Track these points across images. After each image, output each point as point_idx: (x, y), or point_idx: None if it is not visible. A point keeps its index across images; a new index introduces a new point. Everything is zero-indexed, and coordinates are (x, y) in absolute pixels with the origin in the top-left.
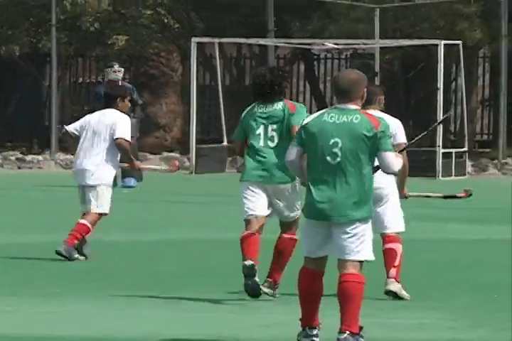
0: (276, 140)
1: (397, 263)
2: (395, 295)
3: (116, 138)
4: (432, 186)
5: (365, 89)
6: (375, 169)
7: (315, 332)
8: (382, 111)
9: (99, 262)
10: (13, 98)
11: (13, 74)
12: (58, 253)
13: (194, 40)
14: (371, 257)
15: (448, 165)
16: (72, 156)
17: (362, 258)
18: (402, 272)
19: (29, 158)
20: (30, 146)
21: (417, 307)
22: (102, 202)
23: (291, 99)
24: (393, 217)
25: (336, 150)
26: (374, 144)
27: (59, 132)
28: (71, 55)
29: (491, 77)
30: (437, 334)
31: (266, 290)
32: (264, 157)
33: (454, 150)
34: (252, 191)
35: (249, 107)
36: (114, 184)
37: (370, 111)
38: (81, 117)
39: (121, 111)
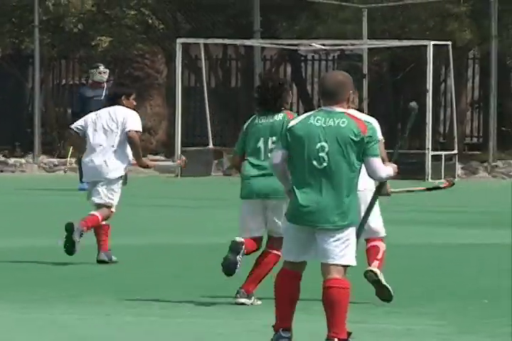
0: None
1: (379, 256)
2: (375, 277)
3: (128, 131)
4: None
5: (351, 91)
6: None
7: (289, 334)
8: (358, 110)
9: (84, 267)
10: None
11: None
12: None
13: (179, 41)
14: (354, 263)
15: (437, 167)
16: (55, 159)
17: (346, 263)
18: (390, 277)
19: (12, 161)
20: (13, 149)
21: (406, 313)
22: (112, 196)
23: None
24: (378, 222)
25: (322, 154)
26: (361, 149)
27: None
28: (54, 57)
29: (480, 79)
30: (426, 340)
31: (242, 300)
32: (266, 170)
33: (443, 153)
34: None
35: (250, 119)
36: (124, 182)
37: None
38: (66, 119)
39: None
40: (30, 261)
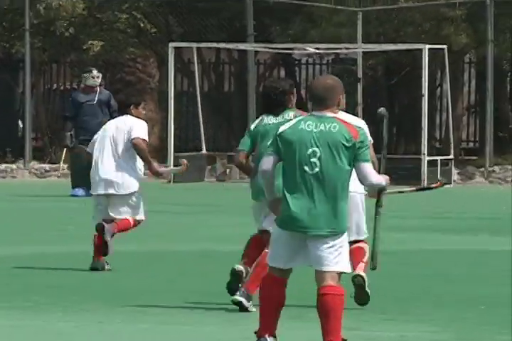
0: None
1: (365, 259)
2: (362, 282)
3: (133, 139)
4: (416, 195)
5: (341, 96)
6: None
7: None
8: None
9: (73, 275)
10: None
11: None
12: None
13: (171, 44)
14: (348, 269)
15: (433, 173)
16: (47, 165)
17: (340, 270)
18: (385, 284)
19: (2, 166)
20: (4, 155)
21: (400, 320)
22: (137, 209)
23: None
24: (363, 223)
25: (314, 159)
26: (352, 154)
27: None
28: (45, 61)
29: (477, 83)
30: None
31: (241, 299)
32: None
33: (439, 158)
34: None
35: (258, 119)
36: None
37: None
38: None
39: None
40: (22, 267)
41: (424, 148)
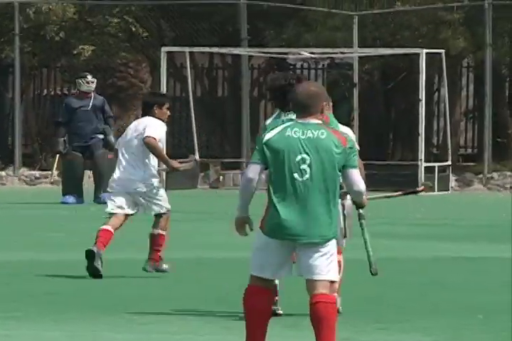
0: None
1: (340, 274)
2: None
3: (144, 138)
4: (414, 202)
5: (325, 103)
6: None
7: None
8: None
9: (69, 283)
10: None
11: None
12: (147, 271)
13: (164, 49)
14: (337, 278)
15: (431, 179)
16: (37, 172)
17: (332, 279)
18: (381, 292)
19: None
20: None
21: (396, 329)
22: (162, 202)
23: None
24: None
25: (304, 166)
26: (342, 160)
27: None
28: (35, 66)
29: (475, 88)
30: None
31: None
32: None
33: (436, 165)
34: None
35: (274, 115)
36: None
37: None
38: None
39: (160, 119)
40: (12, 275)
41: (421, 154)
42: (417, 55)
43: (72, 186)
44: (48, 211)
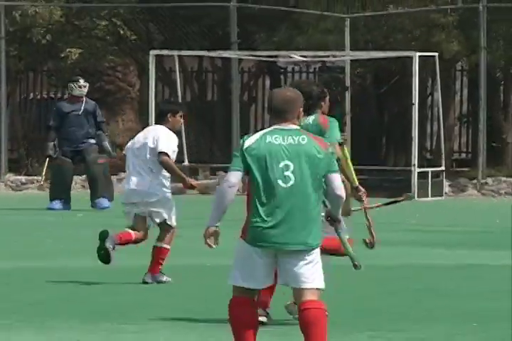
0: None
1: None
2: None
3: (159, 153)
4: (407, 208)
5: (302, 109)
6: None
7: None
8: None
9: (47, 291)
10: None
11: None
12: (145, 283)
13: (152, 52)
14: (323, 285)
15: (424, 185)
16: (23, 177)
17: (319, 287)
18: (374, 299)
19: None
20: None
21: (390, 337)
22: (169, 213)
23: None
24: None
25: (288, 173)
26: (325, 166)
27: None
28: (21, 70)
29: (469, 92)
30: None
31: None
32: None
33: (430, 170)
34: None
35: None
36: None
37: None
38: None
39: (172, 127)
40: None
41: (415, 160)
42: (410, 58)
43: (59, 191)
44: (34, 217)
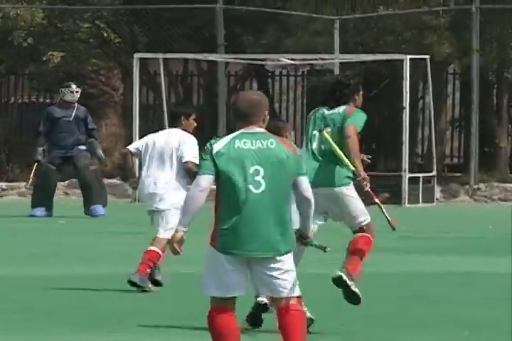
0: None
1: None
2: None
3: (186, 162)
4: (398, 214)
5: (267, 112)
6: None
7: None
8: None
9: (37, 300)
10: None
11: None
12: (132, 283)
13: (136, 55)
14: (299, 292)
15: (415, 191)
16: (3, 183)
17: (297, 294)
18: (366, 306)
19: None
20: None
21: None
22: (170, 226)
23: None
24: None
25: (258, 178)
26: (293, 169)
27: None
28: (2, 73)
29: (461, 95)
30: None
31: (340, 273)
32: (318, 160)
33: (421, 175)
34: None
35: (313, 110)
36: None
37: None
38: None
39: (186, 130)
40: None
41: (405, 165)
42: (401, 61)
43: (42, 198)
44: (15, 224)
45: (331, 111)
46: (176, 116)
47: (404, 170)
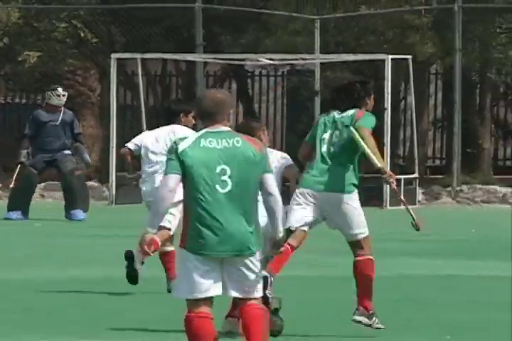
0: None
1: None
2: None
3: None
4: (379, 217)
5: (231, 111)
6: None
7: None
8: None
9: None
10: None
11: None
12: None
13: (114, 56)
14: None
15: (396, 193)
16: None
17: (261, 295)
18: (346, 310)
19: None
20: None
21: None
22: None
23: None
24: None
25: (225, 177)
26: (260, 167)
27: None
28: None
29: (443, 96)
30: None
31: (359, 318)
32: (326, 163)
33: (403, 177)
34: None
35: (322, 114)
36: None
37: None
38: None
39: (187, 126)
40: None
41: (387, 166)
42: (383, 61)
43: (20, 202)
44: None
45: (342, 115)
46: (175, 113)
47: None
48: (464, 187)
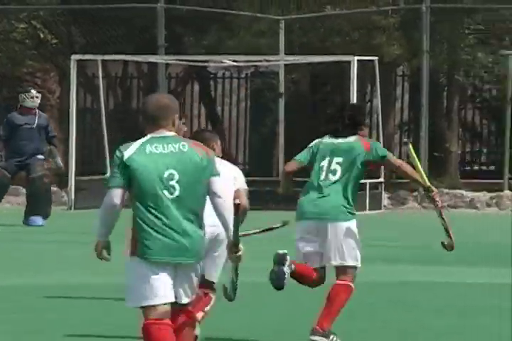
0: (338, 174)
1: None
2: None
3: None
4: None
5: (177, 115)
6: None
7: None
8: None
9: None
10: None
11: None
12: None
13: (74, 57)
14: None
15: (361, 197)
16: None
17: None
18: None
19: None
20: None
21: None
22: None
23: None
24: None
25: (173, 182)
26: (208, 171)
27: None
28: None
29: (410, 98)
30: None
31: (317, 338)
32: (323, 192)
33: (368, 181)
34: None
35: (322, 138)
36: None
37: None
38: None
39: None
40: None
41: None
42: (348, 62)
43: None
44: None
45: (341, 141)
46: None
47: None
48: None
